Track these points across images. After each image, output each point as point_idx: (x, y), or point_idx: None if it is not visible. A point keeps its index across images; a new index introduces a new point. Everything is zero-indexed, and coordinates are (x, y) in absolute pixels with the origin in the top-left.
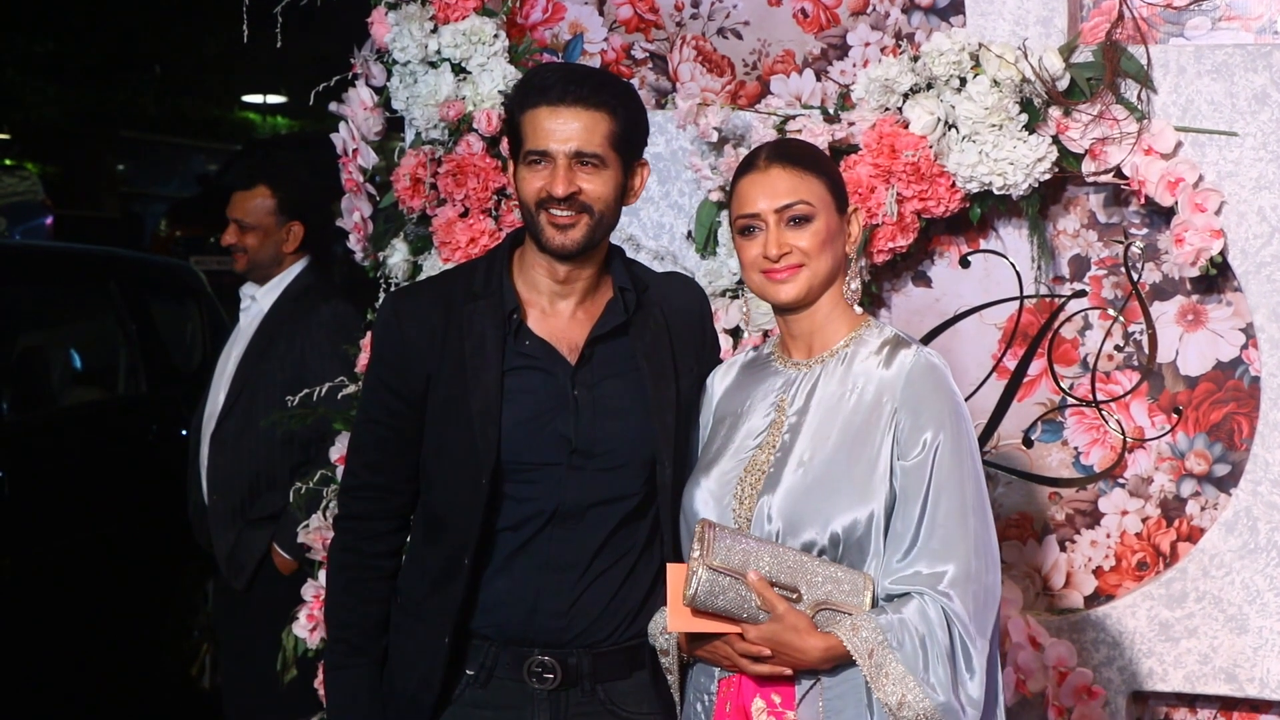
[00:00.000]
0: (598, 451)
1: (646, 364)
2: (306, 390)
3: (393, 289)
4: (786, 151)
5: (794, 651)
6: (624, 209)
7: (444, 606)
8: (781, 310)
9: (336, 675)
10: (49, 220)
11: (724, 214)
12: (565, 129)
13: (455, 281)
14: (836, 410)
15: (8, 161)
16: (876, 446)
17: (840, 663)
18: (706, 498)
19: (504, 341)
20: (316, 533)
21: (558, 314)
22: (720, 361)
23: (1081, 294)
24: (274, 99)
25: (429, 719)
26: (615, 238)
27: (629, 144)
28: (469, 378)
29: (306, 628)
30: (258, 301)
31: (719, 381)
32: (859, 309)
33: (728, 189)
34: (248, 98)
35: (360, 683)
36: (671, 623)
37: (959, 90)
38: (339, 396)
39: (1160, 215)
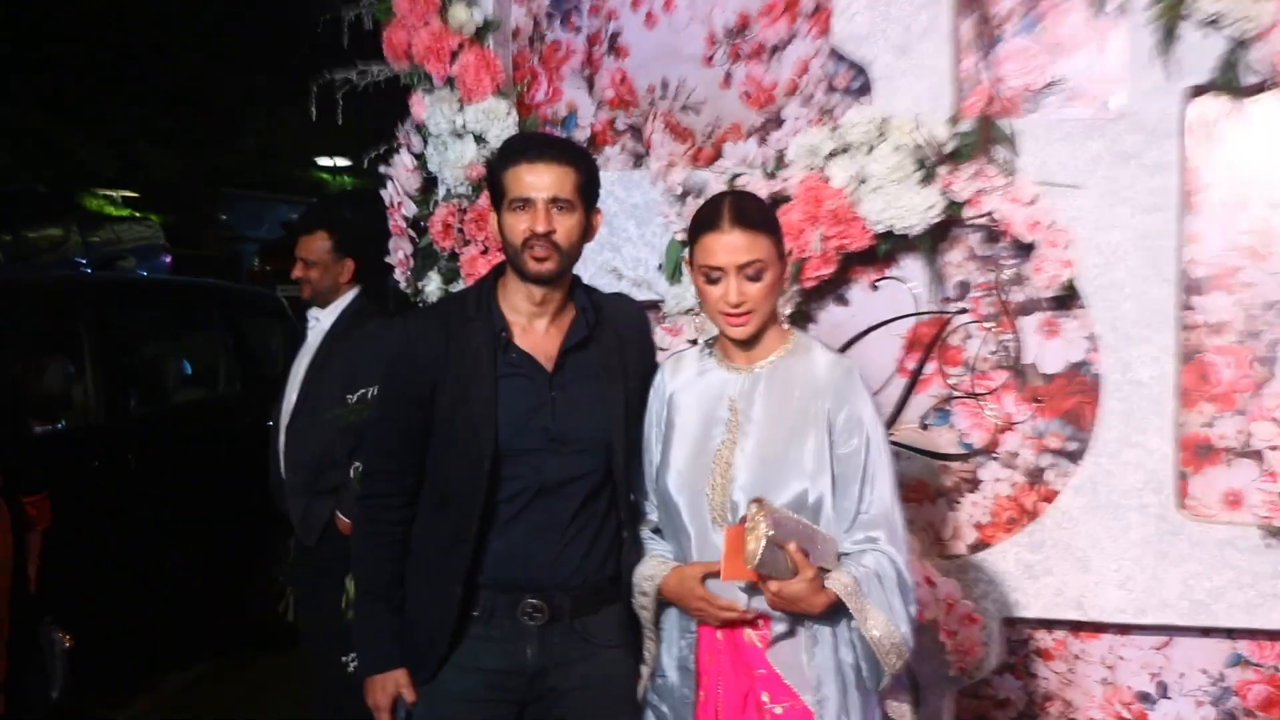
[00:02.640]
0: (570, 439)
1: (603, 370)
2: (362, 390)
3: None
4: (744, 214)
5: (809, 605)
6: (598, 246)
7: (453, 564)
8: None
9: (361, 620)
10: (168, 259)
11: (686, 250)
12: (542, 180)
13: (451, 307)
14: (781, 409)
15: (135, 214)
16: (817, 438)
17: (830, 609)
18: (681, 485)
19: (495, 354)
20: None
21: (535, 330)
22: (658, 363)
23: (964, 311)
24: (341, 161)
25: (444, 652)
26: (602, 271)
27: (589, 193)
28: (469, 384)
29: None
30: (320, 322)
31: (669, 374)
32: (786, 324)
33: (689, 231)
34: (321, 160)
35: (380, 623)
36: (725, 573)
37: (869, 153)
38: None
39: (1024, 249)
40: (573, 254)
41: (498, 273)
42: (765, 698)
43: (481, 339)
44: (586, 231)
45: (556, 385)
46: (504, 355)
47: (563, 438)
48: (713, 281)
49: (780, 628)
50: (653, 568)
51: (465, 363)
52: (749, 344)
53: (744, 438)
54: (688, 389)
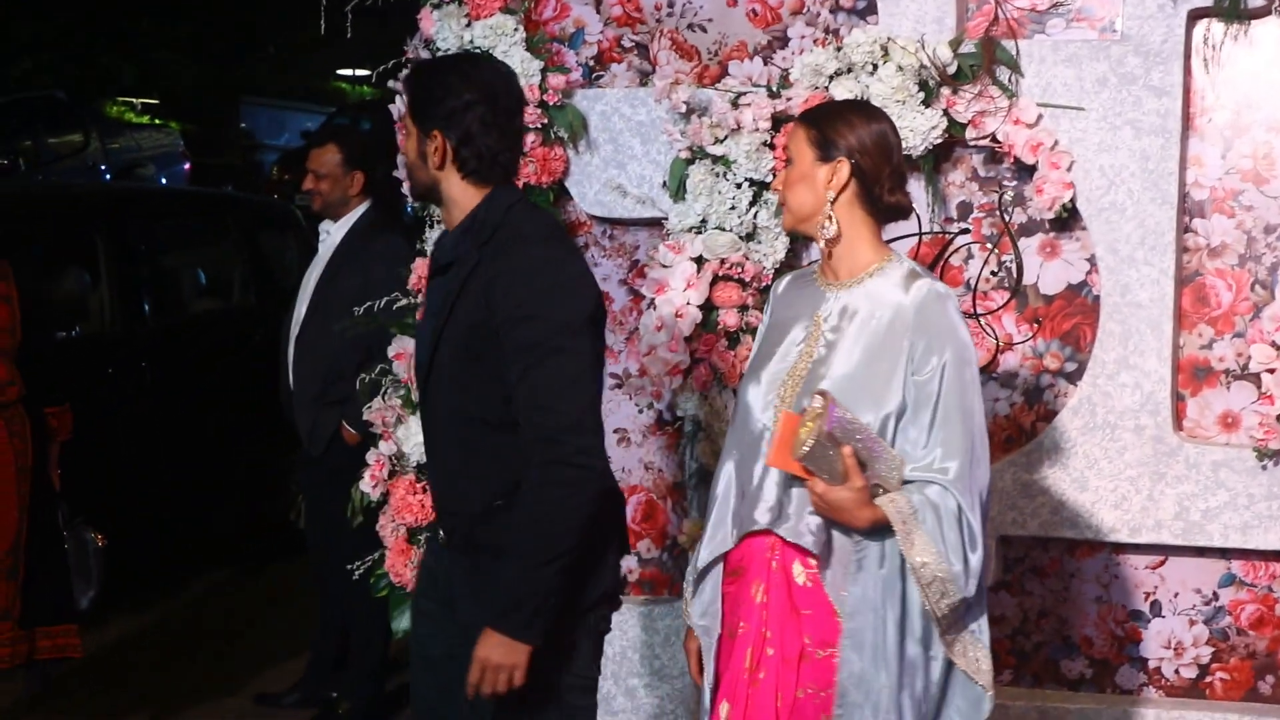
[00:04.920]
0: (423, 365)
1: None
2: (369, 304)
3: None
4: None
5: (850, 517)
6: (603, 164)
7: None
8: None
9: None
10: (187, 167)
11: (691, 168)
12: None
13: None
14: (863, 329)
15: (156, 120)
16: (892, 362)
17: (877, 528)
18: (756, 394)
19: None
20: (377, 413)
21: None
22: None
23: (966, 231)
24: (361, 72)
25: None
26: (607, 188)
27: (420, 113)
28: None
29: (369, 485)
30: (331, 235)
31: (778, 288)
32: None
33: (694, 148)
34: (341, 71)
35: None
36: (771, 459)
37: (872, 74)
38: (394, 308)
39: (1026, 171)
40: (414, 174)
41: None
42: (808, 640)
43: None
44: (433, 154)
45: (428, 311)
46: None
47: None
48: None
49: (824, 550)
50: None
51: None
52: (838, 260)
53: (820, 355)
54: (782, 300)
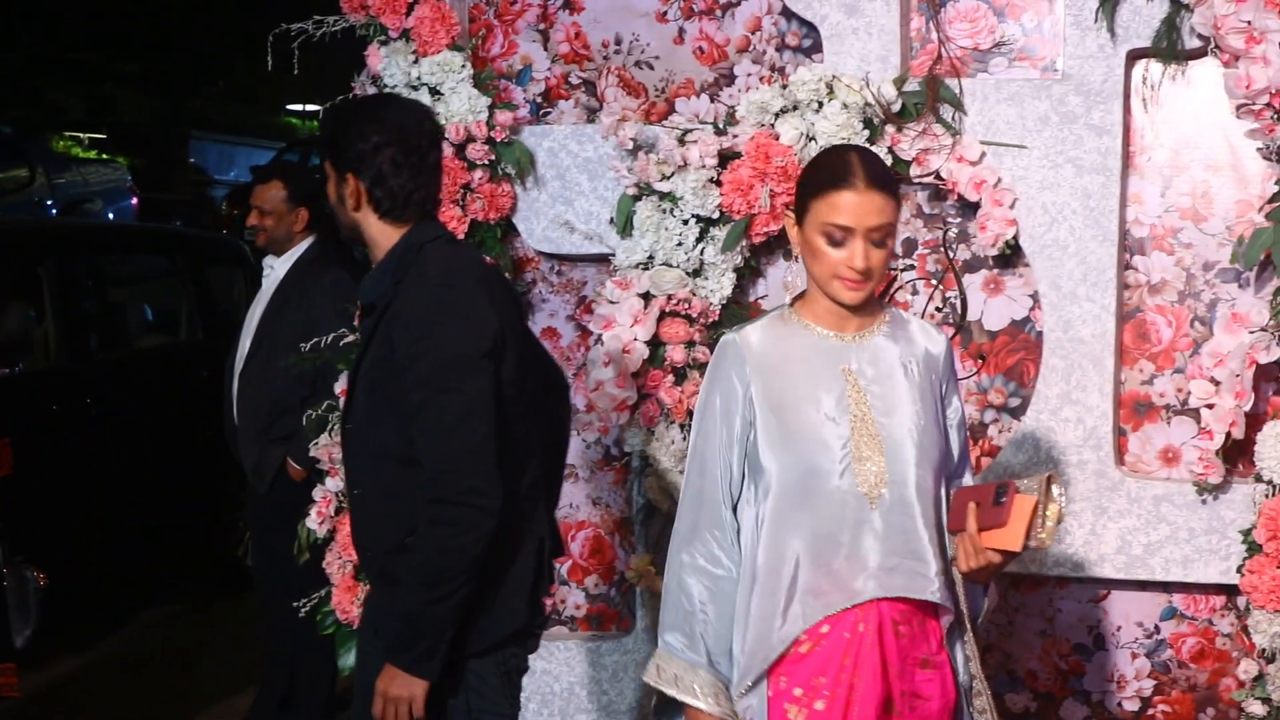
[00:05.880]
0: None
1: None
2: (315, 339)
3: None
4: (878, 173)
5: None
6: (551, 200)
7: None
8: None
9: None
10: (135, 202)
11: (639, 204)
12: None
13: None
14: (906, 376)
15: (103, 156)
16: (936, 406)
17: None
18: (823, 459)
19: None
20: (323, 449)
21: None
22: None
23: (911, 268)
24: (311, 107)
25: None
26: (555, 224)
27: (334, 156)
28: None
29: (315, 521)
30: (275, 270)
31: (748, 346)
32: None
33: (641, 185)
34: (290, 106)
35: None
36: (1001, 541)
37: (817, 111)
38: (340, 344)
39: (969, 208)
40: (338, 216)
41: None
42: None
43: None
44: (349, 196)
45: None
46: None
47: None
48: (836, 243)
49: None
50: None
51: None
52: (855, 310)
53: (878, 406)
54: (768, 358)
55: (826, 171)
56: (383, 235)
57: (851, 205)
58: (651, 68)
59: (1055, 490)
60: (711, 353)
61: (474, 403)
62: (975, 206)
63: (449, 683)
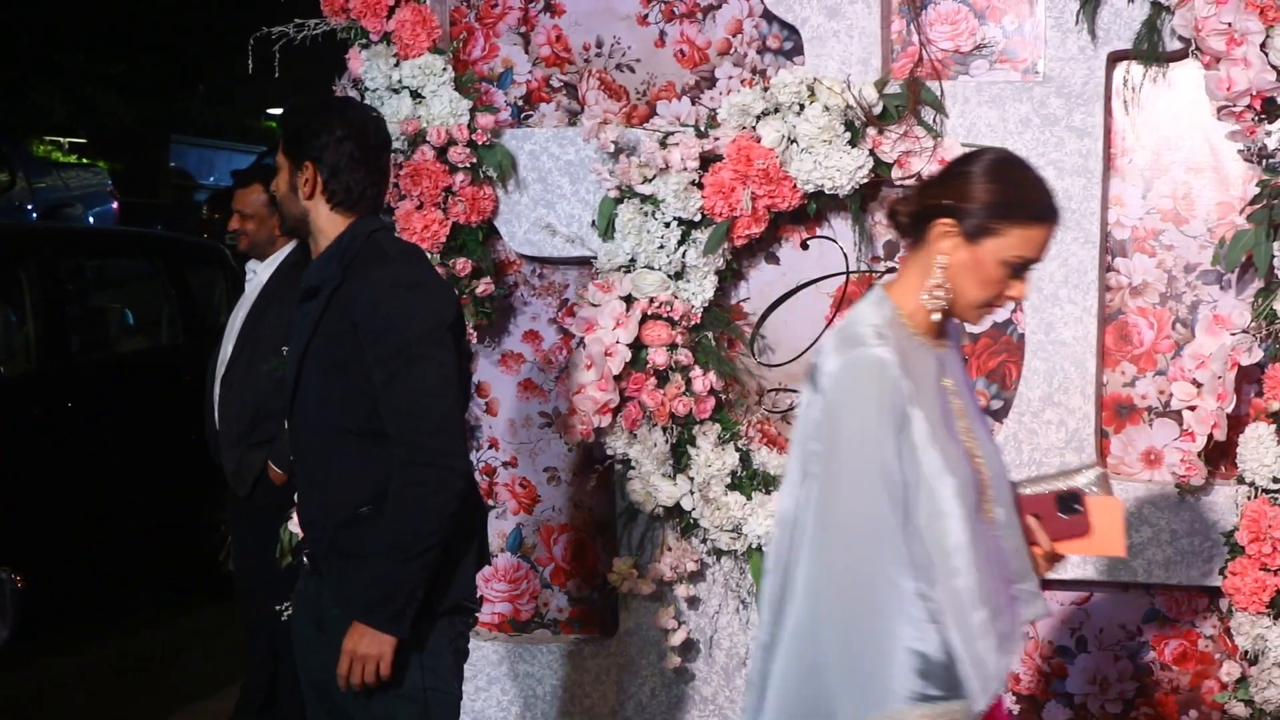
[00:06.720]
0: None
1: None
2: None
3: None
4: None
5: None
6: (532, 203)
7: None
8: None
9: None
10: (115, 206)
11: (620, 207)
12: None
13: None
14: (968, 389)
15: (84, 160)
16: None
17: None
18: (956, 488)
19: None
20: None
21: None
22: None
23: (892, 270)
24: None
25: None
26: (536, 226)
27: (293, 148)
28: None
29: (297, 525)
30: (258, 274)
31: (897, 365)
32: None
33: (623, 188)
34: (271, 110)
35: None
36: (1112, 548)
37: (799, 114)
38: None
39: None
40: (286, 206)
41: None
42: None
43: None
44: (304, 185)
45: (295, 334)
46: None
47: None
48: (1017, 275)
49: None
50: None
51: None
52: (937, 324)
53: (969, 419)
54: (917, 377)
55: (1037, 205)
56: (330, 224)
57: (1045, 241)
58: (633, 70)
59: (1111, 485)
60: (694, 355)
61: (445, 372)
62: None
63: (404, 651)
